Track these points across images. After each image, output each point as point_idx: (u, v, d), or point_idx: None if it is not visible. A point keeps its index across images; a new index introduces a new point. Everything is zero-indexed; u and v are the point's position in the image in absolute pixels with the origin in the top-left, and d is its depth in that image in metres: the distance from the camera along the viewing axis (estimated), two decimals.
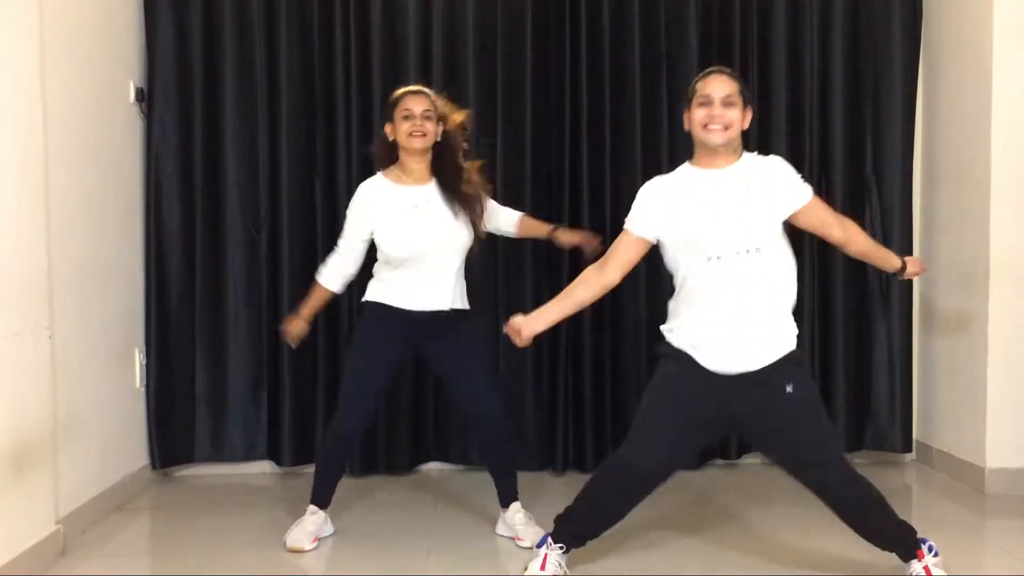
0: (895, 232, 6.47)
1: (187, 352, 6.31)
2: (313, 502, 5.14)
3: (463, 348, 5.06)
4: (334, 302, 6.14)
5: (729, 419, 4.29)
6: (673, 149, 6.17)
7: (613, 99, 6.31)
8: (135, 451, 6.04)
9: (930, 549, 4.36)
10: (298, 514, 5.20)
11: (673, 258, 4.26)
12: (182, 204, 6.18)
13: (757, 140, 6.20)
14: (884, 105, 6.44)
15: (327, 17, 6.26)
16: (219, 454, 6.37)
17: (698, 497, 5.83)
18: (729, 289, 4.10)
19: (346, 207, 5.89)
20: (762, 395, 4.14)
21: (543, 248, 6.20)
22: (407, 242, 4.87)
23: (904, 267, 4.57)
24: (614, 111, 6.31)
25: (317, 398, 6.35)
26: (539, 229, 5.34)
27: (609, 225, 6.15)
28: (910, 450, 6.64)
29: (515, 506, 5.17)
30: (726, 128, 4.09)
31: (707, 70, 4.30)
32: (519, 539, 5.04)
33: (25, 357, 4.49)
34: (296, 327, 5.19)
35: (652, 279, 6.18)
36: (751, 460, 6.60)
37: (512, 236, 5.38)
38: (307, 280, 6.11)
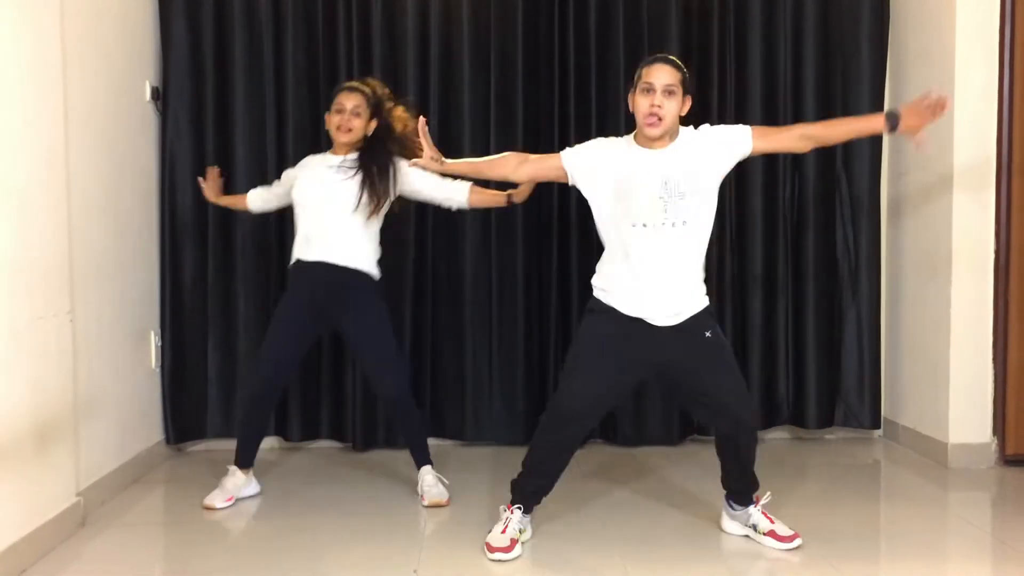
0: (864, 222, 6.50)
1: (200, 334, 6.32)
2: (235, 463, 5.33)
3: (364, 324, 5.14)
4: None
5: (652, 364, 4.40)
6: None
7: (599, 94, 6.32)
8: (151, 427, 6.05)
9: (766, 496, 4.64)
10: (304, 486, 5.22)
11: (602, 219, 4.42)
12: (195, 195, 6.16)
13: None
14: (853, 104, 6.43)
15: (331, 21, 6.27)
16: (230, 430, 6.35)
17: (671, 470, 5.86)
18: (653, 253, 4.26)
19: None
20: (685, 341, 4.32)
21: (533, 231, 6.24)
22: (299, 189, 5.22)
23: (897, 120, 4.22)
24: (599, 104, 6.33)
25: (322, 378, 6.37)
26: (495, 199, 5.27)
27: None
28: (878, 427, 6.65)
29: (425, 469, 5.34)
30: (661, 120, 4.19)
31: (653, 56, 4.38)
32: (422, 498, 5.24)
33: (48, 340, 4.50)
34: (211, 189, 5.75)
35: None
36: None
37: (462, 207, 5.30)
38: None
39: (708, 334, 4.36)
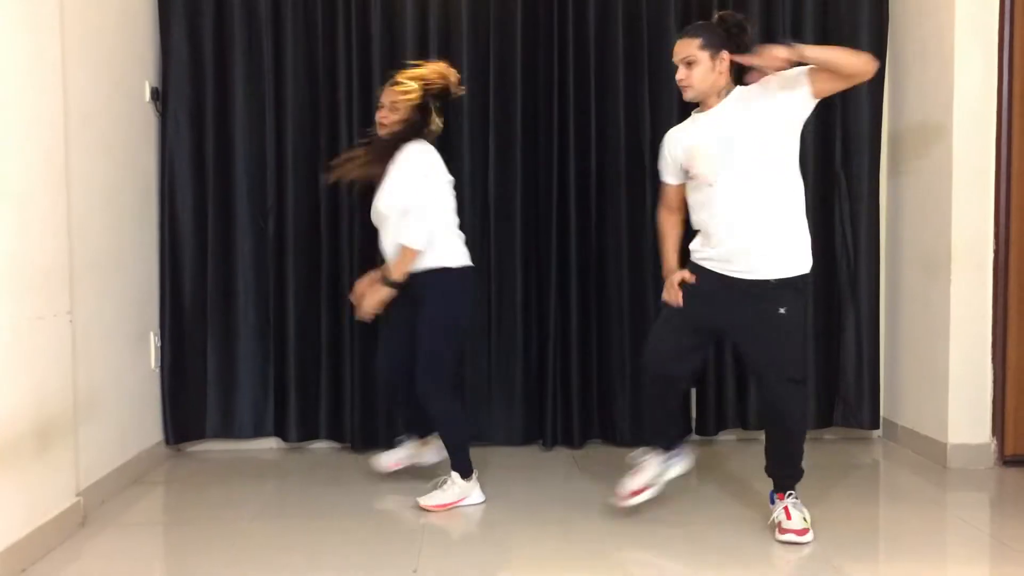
0: (863, 222, 6.48)
1: (199, 335, 6.32)
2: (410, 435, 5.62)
3: (416, 320, 5.08)
4: (337, 293, 6.21)
5: (723, 320, 4.60)
6: (655, 136, 6.10)
7: (598, 96, 6.32)
8: (150, 428, 6.06)
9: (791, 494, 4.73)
10: (303, 486, 5.21)
11: (689, 192, 4.67)
12: (194, 196, 6.20)
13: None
14: (852, 103, 6.43)
15: (331, 21, 6.27)
16: (229, 431, 6.39)
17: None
18: (727, 209, 4.45)
19: (347, 201, 5.99)
20: (757, 308, 4.47)
21: (532, 229, 6.24)
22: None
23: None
24: (599, 107, 6.33)
25: (320, 379, 6.37)
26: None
27: (595, 216, 6.23)
28: (877, 427, 6.64)
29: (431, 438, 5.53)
30: (689, 87, 4.49)
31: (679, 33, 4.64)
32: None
33: (48, 340, 4.51)
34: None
35: (633, 269, 6.25)
36: (727, 437, 6.62)
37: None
38: (311, 267, 6.19)
39: (782, 310, 4.46)
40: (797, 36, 6.35)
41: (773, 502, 4.75)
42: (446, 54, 6.23)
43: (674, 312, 4.66)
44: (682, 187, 4.70)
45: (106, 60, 5.41)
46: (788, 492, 4.69)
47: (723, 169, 4.42)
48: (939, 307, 6.00)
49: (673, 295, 4.65)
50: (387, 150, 5.05)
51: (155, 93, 6.10)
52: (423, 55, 6.21)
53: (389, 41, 6.29)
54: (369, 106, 6.16)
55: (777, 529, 4.61)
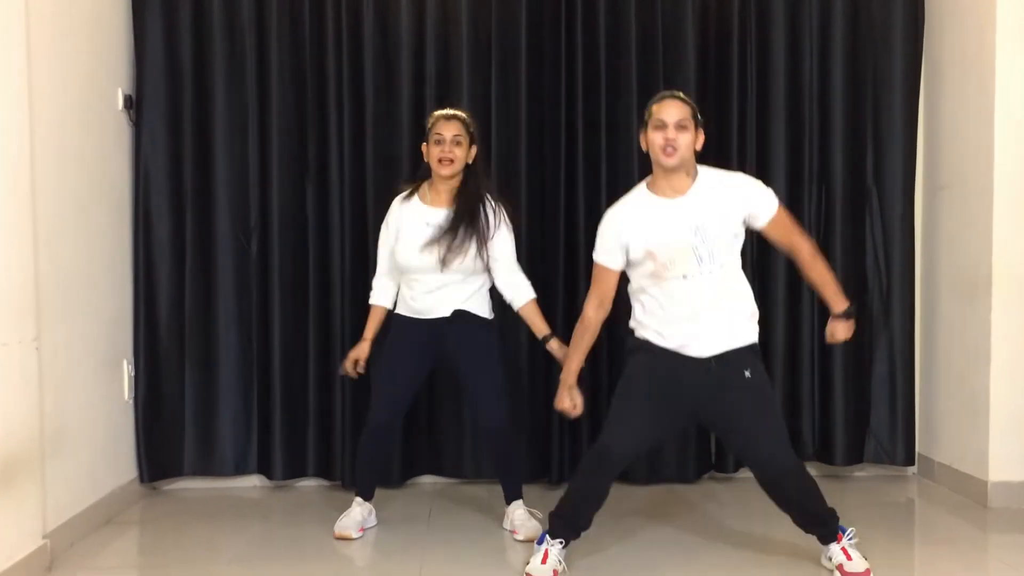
0: (896, 242, 6.48)
1: (176, 363, 6.31)
2: (357, 494, 5.55)
3: (473, 358, 5.34)
4: (327, 318, 6.21)
5: (691, 400, 4.62)
6: None
7: (608, 107, 6.33)
8: (123, 464, 6.05)
9: (846, 531, 4.74)
10: (288, 528, 5.21)
11: (640, 276, 4.65)
12: (171, 212, 6.21)
13: (756, 152, 6.26)
14: (885, 114, 6.45)
15: (319, 22, 6.28)
16: (209, 467, 6.38)
17: (691, 508, 5.85)
18: (695, 297, 4.50)
19: (338, 216, 6.03)
20: (720, 376, 4.53)
21: (538, 245, 6.25)
22: (410, 256, 5.22)
23: (848, 314, 4.70)
24: (609, 116, 6.33)
25: (308, 411, 6.36)
26: (538, 328, 5.42)
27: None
28: (912, 463, 6.63)
29: (516, 503, 5.50)
30: (676, 150, 4.44)
31: (661, 94, 4.66)
32: (515, 532, 5.39)
33: (11, 368, 4.51)
34: (363, 351, 5.51)
35: None
36: (748, 474, 6.59)
37: (513, 305, 5.45)
38: (298, 289, 6.18)
39: (748, 373, 4.56)
40: (825, 39, 6.37)
41: (828, 548, 4.77)
42: (444, 57, 6.26)
43: (640, 399, 4.66)
44: (618, 273, 4.73)
45: (75, 65, 5.43)
46: (840, 532, 4.73)
47: (697, 263, 4.47)
48: (979, 334, 6.00)
49: (568, 402, 4.82)
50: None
51: (128, 101, 6.11)
52: (419, 58, 6.24)
53: (382, 44, 6.31)
54: (361, 114, 6.19)
55: (839, 570, 4.65)
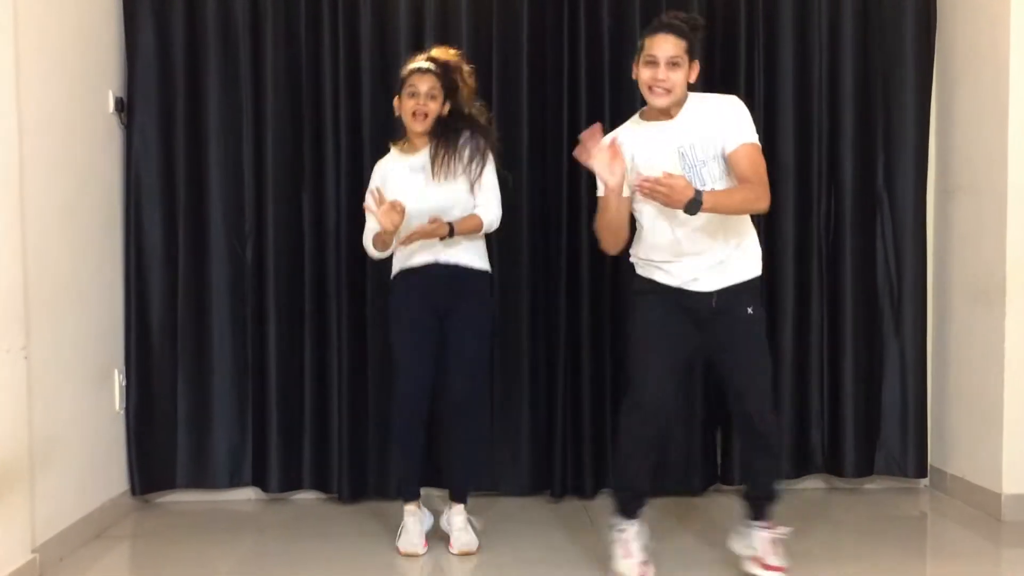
0: (907, 247, 6.46)
1: (169, 373, 6.31)
2: (404, 500, 5.48)
3: (464, 333, 5.33)
4: (324, 326, 6.19)
5: (696, 331, 4.71)
6: None
7: (612, 109, 6.30)
8: (114, 476, 6.05)
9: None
10: (284, 542, 5.21)
11: (636, 202, 4.71)
12: (163, 218, 6.20)
13: (765, 153, 6.16)
14: (896, 115, 6.44)
15: (315, 23, 6.27)
16: (202, 480, 6.38)
17: (697, 521, 5.85)
18: (686, 224, 4.53)
19: (335, 222, 6.01)
20: (723, 308, 4.64)
21: (540, 250, 6.25)
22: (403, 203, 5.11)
23: (695, 200, 4.33)
24: (614, 118, 6.29)
25: (305, 422, 6.34)
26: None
27: None
28: (924, 476, 6.60)
29: (459, 507, 5.45)
30: (669, 91, 4.46)
31: (655, 25, 4.61)
32: (450, 545, 5.37)
33: (0, 378, 4.50)
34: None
35: None
36: None
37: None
38: (294, 297, 6.17)
39: (750, 310, 4.68)
40: (834, 41, 6.37)
41: (748, 528, 4.89)
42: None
43: (653, 335, 4.73)
44: (628, 200, 4.72)
45: (65, 66, 5.43)
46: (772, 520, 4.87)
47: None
48: (992, 341, 5.98)
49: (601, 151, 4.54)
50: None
51: (119, 103, 6.11)
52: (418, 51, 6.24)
53: (380, 42, 6.30)
54: (358, 114, 6.19)
55: (757, 564, 4.76)
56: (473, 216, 5.22)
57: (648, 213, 4.65)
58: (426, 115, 5.22)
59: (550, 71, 6.35)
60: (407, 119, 5.27)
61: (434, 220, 4.97)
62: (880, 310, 6.54)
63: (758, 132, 4.60)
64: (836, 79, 6.46)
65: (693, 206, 4.27)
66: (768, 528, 4.78)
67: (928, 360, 6.60)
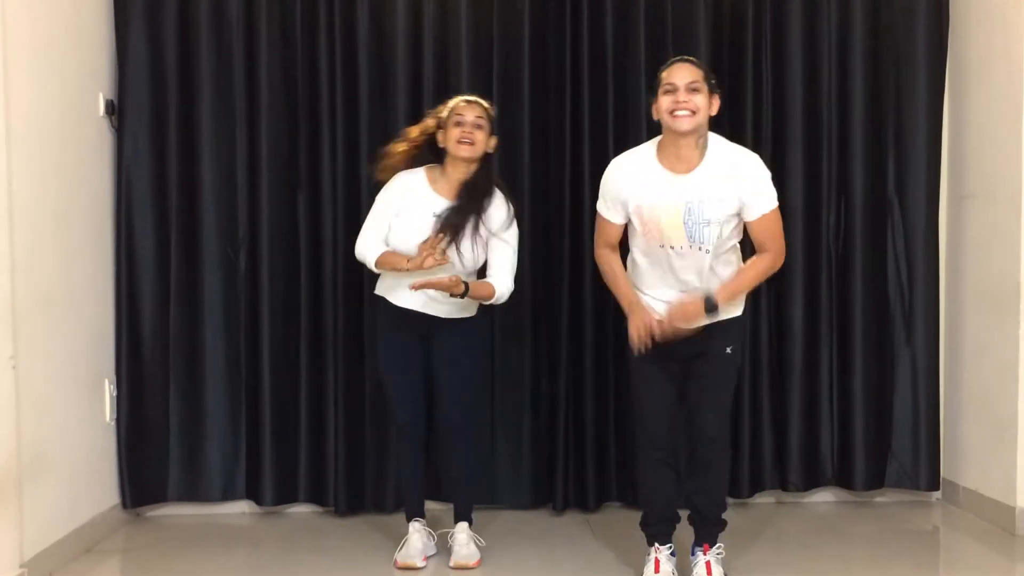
0: (919, 254, 6.45)
1: (161, 383, 6.29)
2: (408, 518, 5.48)
3: (452, 356, 5.33)
4: (319, 335, 6.18)
5: (680, 363, 4.87)
6: None
7: (616, 113, 6.32)
8: (105, 489, 6.03)
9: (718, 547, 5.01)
10: (278, 556, 5.20)
11: (633, 233, 4.83)
12: (155, 224, 6.20)
13: (772, 160, 6.22)
14: (907, 119, 6.44)
15: (310, 24, 6.27)
16: (195, 493, 6.36)
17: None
18: (681, 267, 4.69)
19: (331, 228, 5.98)
20: (705, 348, 4.77)
21: (541, 256, 6.24)
22: (408, 244, 5.11)
23: (708, 306, 4.62)
24: (617, 122, 6.33)
25: (300, 434, 6.33)
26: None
27: None
28: (936, 489, 6.60)
29: (461, 526, 5.45)
30: (693, 113, 4.46)
31: (672, 59, 4.71)
32: (450, 560, 5.37)
33: None
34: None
35: None
36: (764, 499, 6.58)
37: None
38: (288, 305, 6.16)
39: (729, 350, 4.83)
40: (844, 43, 6.36)
41: (694, 554, 4.96)
42: (443, 58, 6.25)
43: (648, 367, 4.85)
44: (624, 226, 4.85)
45: (54, 69, 5.42)
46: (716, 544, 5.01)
47: (687, 239, 4.61)
48: (1006, 352, 5.97)
49: (645, 328, 4.69)
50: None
51: (110, 106, 6.10)
52: (416, 59, 6.23)
53: (377, 45, 6.30)
54: (355, 119, 6.18)
55: None
56: (487, 284, 5.20)
57: (640, 247, 4.79)
58: (472, 143, 5.15)
59: (552, 71, 6.35)
60: (452, 146, 5.17)
61: (454, 278, 4.95)
62: (891, 319, 6.54)
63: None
64: (845, 84, 6.46)
65: (711, 310, 4.54)
66: (704, 552, 4.93)
67: (940, 370, 6.60)
